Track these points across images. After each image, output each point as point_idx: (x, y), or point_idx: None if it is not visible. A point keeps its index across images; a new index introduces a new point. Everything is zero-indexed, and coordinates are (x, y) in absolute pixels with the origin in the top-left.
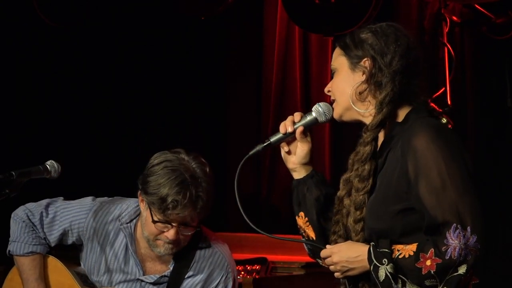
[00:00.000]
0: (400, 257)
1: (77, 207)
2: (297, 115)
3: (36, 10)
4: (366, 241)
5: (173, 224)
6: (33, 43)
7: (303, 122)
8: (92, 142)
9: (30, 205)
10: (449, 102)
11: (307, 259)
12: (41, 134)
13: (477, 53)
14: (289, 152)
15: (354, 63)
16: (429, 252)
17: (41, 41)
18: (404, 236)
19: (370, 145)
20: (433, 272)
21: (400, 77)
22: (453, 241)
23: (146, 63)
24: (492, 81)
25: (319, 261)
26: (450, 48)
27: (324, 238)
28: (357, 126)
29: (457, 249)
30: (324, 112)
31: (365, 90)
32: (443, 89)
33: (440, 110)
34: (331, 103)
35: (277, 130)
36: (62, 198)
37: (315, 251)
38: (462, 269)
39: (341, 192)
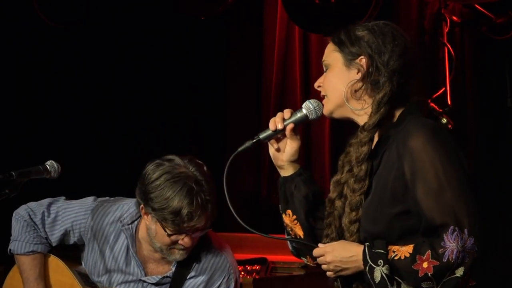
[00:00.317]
0: (395, 258)
1: (78, 207)
2: (287, 112)
3: (36, 10)
4: (361, 242)
5: (188, 233)
6: (33, 43)
7: (293, 119)
8: (92, 142)
9: (32, 204)
10: (449, 102)
11: None
12: (41, 134)
13: (477, 53)
14: (278, 149)
15: (349, 60)
16: (425, 254)
17: (41, 41)
18: (402, 239)
19: (367, 145)
20: (430, 274)
21: (398, 77)
22: (451, 244)
23: (146, 63)
24: (492, 81)
25: (305, 259)
26: (450, 48)
27: (312, 237)
28: (357, 125)
29: (454, 252)
30: (315, 109)
31: (360, 88)
32: (443, 89)
33: (440, 110)
34: (321, 99)
35: (267, 127)
36: (63, 197)
37: (300, 250)
38: (459, 272)
39: (332, 194)
